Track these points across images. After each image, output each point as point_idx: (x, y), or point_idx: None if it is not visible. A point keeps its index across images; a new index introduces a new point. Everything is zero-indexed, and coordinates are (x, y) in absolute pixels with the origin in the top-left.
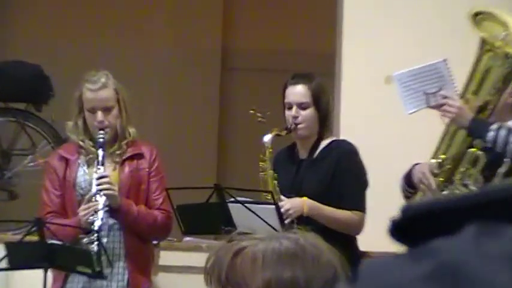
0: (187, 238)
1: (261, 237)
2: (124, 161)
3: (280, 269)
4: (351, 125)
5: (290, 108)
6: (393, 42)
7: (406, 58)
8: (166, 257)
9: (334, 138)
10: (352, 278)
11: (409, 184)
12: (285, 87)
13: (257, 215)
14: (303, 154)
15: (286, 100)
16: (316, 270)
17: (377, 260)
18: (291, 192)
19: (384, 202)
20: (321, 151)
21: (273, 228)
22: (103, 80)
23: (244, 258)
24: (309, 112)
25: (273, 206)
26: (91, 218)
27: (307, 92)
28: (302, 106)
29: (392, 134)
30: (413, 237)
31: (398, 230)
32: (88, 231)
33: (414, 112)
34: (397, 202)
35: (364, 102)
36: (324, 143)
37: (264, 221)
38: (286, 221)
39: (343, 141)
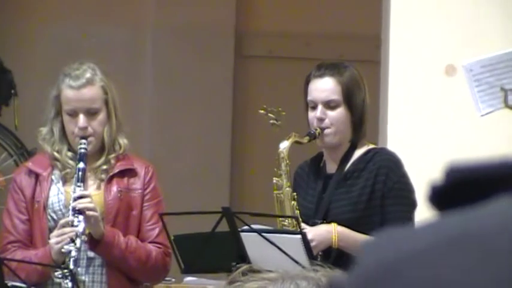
0: (189, 278)
1: (271, 277)
2: (111, 178)
3: None
4: (400, 130)
5: (314, 107)
6: (458, 19)
7: (475, 41)
8: None
9: (371, 147)
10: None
11: None
12: (307, 81)
13: (278, 248)
14: (331, 168)
15: (309, 98)
16: None
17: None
18: (315, 217)
19: None
20: (354, 163)
21: (299, 264)
22: (88, 75)
23: None
24: (339, 113)
25: (299, 236)
26: (66, 247)
27: (337, 86)
28: (330, 105)
29: (459, 142)
30: (453, 203)
31: (439, 196)
32: (61, 265)
33: (488, 113)
34: None
35: (419, 99)
36: (358, 153)
37: (288, 255)
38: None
39: (383, 149)
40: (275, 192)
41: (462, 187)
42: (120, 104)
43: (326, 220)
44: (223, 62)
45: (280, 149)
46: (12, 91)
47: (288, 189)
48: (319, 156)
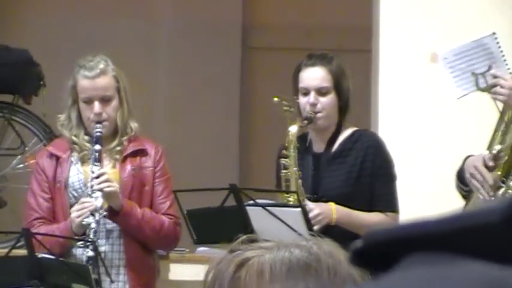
0: (201, 248)
1: (267, 246)
2: (125, 158)
3: (290, 282)
4: (390, 113)
5: (306, 94)
6: (441, 11)
7: (456, 30)
8: (176, 271)
9: (355, 129)
10: None
11: (463, 181)
12: (298, 70)
13: (280, 220)
14: (318, 147)
15: (301, 85)
16: (332, 283)
17: None
18: (308, 193)
19: (434, 206)
20: (342, 144)
21: (300, 234)
22: (101, 66)
23: (249, 271)
24: (330, 98)
25: (299, 209)
26: (86, 220)
27: (327, 75)
28: (321, 91)
29: (442, 123)
30: (374, 263)
31: (361, 257)
32: (81, 237)
33: (463, 96)
34: (453, 205)
35: (407, 84)
36: (344, 135)
37: (289, 226)
38: (314, 228)
39: (367, 131)
40: (283, 171)
41: (378, 248)
42: (137, 92)
43: (317, 195)
44: (231, 54)
45: (290, 133)
46: (41, 82)
47: (295, 169)
48: (305, 136)
